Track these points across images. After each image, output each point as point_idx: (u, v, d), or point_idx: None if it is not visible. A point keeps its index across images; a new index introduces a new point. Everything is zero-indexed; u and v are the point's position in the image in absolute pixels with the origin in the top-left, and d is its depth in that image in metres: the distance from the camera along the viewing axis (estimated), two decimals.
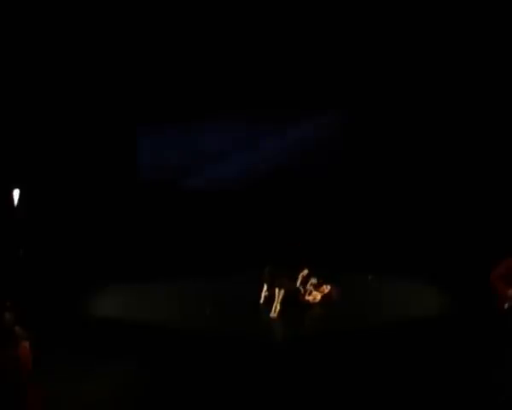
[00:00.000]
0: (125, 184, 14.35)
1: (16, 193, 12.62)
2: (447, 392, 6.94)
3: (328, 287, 10.94)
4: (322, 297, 10.89)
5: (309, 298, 10.83)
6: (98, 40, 13.53)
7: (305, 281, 10.93)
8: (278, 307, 10.28)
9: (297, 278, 10.90)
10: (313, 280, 10.95)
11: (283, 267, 10.70)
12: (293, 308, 10.40)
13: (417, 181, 13.88)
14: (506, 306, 6.60)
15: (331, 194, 14.26)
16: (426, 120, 13.89)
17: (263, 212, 14.13)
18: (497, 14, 12.77)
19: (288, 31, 13.67)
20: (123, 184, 14.32)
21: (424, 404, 6.72)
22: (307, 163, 14.76)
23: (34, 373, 5.64)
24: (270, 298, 10.54)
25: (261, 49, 13.87)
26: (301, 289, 10.82)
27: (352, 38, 13.72)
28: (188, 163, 14.78)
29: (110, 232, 13.81)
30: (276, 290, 10.36)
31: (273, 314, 10.24)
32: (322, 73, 14.03)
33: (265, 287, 10.74)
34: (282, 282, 10.47)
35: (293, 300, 10.58)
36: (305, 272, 10.95)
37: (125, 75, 14.06)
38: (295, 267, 10.98)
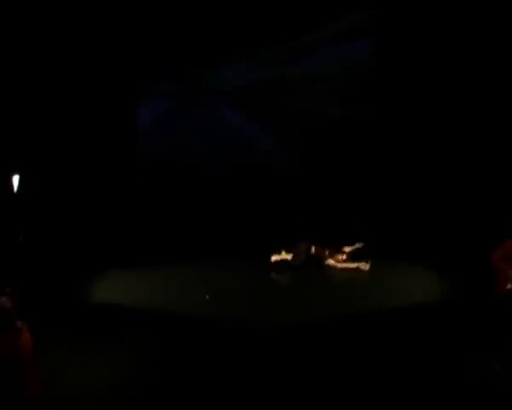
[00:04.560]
0: (125, 170, 14.31)
1: (16, 179, 12.59)
2: (447, 377, 6.96)
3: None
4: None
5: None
6: (94, 15, 13.42)
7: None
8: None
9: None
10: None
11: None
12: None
13: (417, 164, 13.83)
14: (509, 286, 6.59)
15: (330, 178, 14.24)
16: (425, 108, 13.82)
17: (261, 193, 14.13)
18: None
19: None
20: (122, 170, 14.28)
21: (424, 388, 6.74)
22: None
23: (34, 358, 5.65)
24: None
25: None
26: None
27: None
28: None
29: (109, 217, 13.80)
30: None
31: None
32: None
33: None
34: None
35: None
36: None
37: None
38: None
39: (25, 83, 13.32)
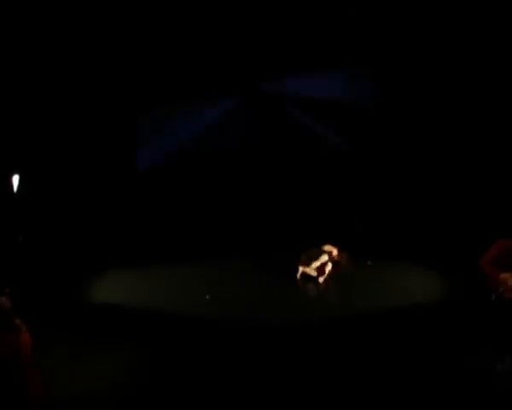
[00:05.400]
0: (124, 170, 14.31)
1: (16, 179, 12.60)
2: (447, 377, 6.96)
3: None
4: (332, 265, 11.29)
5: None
6: (93, 26, 13.41)
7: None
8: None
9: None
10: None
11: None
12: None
13: (416, 165, 13.83)
14: (500, 290, 6.55)
15: (331, 178, 14.23)
16: (421, 113, 13.84)
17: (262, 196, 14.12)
18: None
19: None
20: (122, 170, 14.28)
21: (424, 388, 6.74)
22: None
23: (34, 358, 5.65)
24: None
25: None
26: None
27: None
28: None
29: (109, 217, 13.80)
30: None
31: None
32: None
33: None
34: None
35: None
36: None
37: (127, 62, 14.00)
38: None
39: (25, 83, 13.32)
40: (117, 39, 13.67)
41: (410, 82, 13.73)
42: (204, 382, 7.16)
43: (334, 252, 11.35)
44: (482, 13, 12.79)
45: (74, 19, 13.26)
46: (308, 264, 11.33)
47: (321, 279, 11.20)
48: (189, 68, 14.11)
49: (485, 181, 12.93)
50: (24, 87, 13.33)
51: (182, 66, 14.11)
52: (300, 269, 11.36)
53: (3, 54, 12.95)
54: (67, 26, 13.31)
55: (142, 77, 14.18)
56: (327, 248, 11.41)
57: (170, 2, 13.48)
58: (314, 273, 11.26)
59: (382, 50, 13.82)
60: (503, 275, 6.52)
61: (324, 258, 11.26)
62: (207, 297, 10.31)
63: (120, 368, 7.62)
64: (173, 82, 14.19)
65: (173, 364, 7.71)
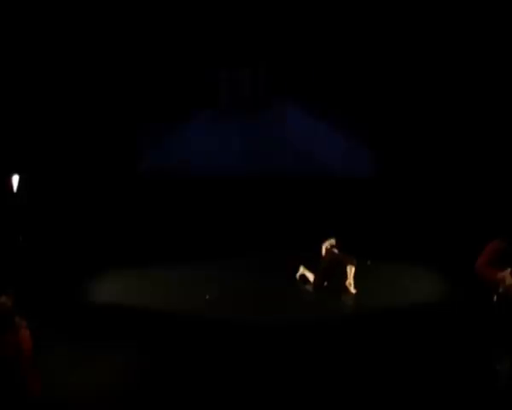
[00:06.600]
0: (125, 170, 14.33)
1: (15, 179, 12.61)
2: (447, 379, 6.96)
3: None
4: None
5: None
6: (95, 26, 13.44)
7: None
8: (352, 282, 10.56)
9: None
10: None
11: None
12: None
13: (417, 166, 13.85)
14: (500, 290, 6.53)
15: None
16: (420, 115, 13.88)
17: (261, 198, 14.13)
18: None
19: None
20: (122, 170, 14.30)
21: (423, 388, 6.75)
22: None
23: (34, 359, 5.65)
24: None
25: None
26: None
27: None
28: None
29: (110, 217, 13.81)
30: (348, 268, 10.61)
31: (353, 290, 10.51)
32: None
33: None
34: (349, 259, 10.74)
35: None
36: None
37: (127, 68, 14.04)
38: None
39: (26, 85, 13.35)
40: (117, 39, 13.71)
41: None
42: (204, 382, 7.16)
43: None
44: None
45: (77, 23, 13.33)
46: (328, 276, 10.94)
47: (324, 281, 11.15)
48: (188, 82, 14.23)
49: (485, 181, 12.96)
50: (25, 89, 13.36)
51: (182, 76, 14.22)
52: (301, 269, 11.34)
53: (6, 56, 12.98)
54: (68, 29, 13.35)
55: (142, 80, 14.23)
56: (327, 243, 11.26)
57: (173, 22, 13.60)
58: (311, 277, 11.20)
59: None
60: (501, 274, 6.51)
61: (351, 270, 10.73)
62: (207, 297, 10.32)
63: (120, 368, 7.63)
64: (174, 90, 14.28)
65: (173, 364, 7.71)
